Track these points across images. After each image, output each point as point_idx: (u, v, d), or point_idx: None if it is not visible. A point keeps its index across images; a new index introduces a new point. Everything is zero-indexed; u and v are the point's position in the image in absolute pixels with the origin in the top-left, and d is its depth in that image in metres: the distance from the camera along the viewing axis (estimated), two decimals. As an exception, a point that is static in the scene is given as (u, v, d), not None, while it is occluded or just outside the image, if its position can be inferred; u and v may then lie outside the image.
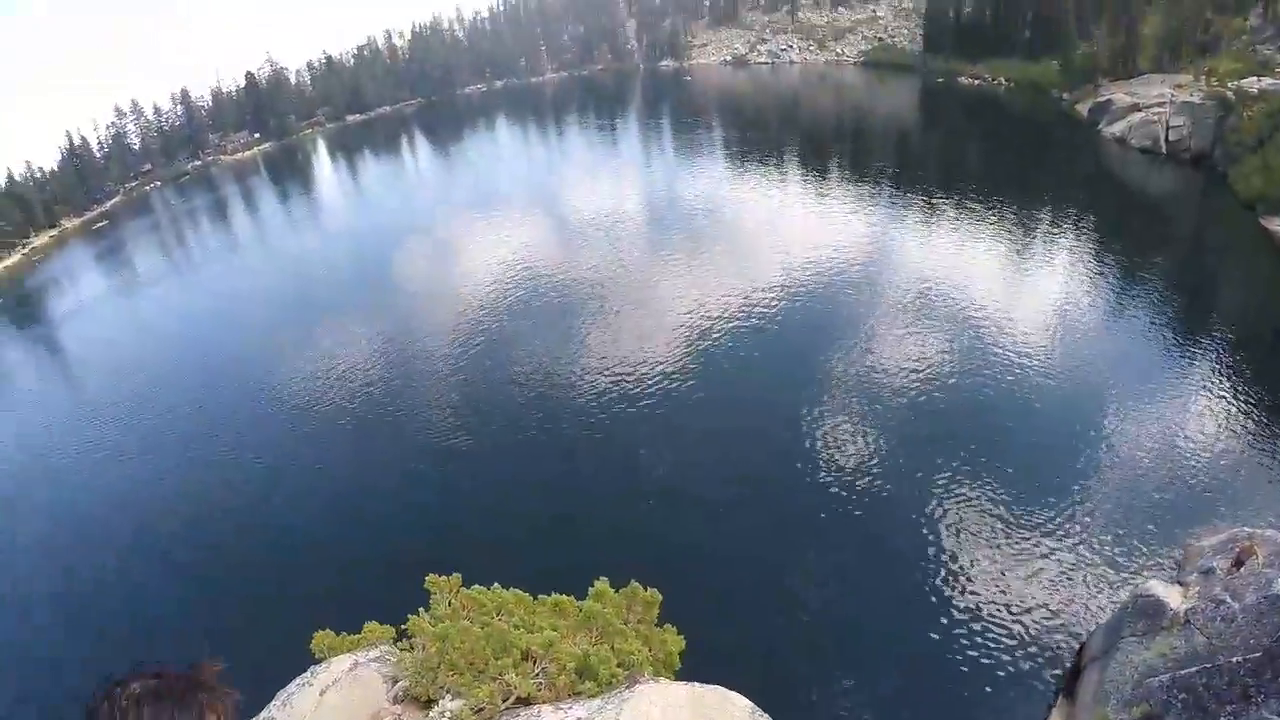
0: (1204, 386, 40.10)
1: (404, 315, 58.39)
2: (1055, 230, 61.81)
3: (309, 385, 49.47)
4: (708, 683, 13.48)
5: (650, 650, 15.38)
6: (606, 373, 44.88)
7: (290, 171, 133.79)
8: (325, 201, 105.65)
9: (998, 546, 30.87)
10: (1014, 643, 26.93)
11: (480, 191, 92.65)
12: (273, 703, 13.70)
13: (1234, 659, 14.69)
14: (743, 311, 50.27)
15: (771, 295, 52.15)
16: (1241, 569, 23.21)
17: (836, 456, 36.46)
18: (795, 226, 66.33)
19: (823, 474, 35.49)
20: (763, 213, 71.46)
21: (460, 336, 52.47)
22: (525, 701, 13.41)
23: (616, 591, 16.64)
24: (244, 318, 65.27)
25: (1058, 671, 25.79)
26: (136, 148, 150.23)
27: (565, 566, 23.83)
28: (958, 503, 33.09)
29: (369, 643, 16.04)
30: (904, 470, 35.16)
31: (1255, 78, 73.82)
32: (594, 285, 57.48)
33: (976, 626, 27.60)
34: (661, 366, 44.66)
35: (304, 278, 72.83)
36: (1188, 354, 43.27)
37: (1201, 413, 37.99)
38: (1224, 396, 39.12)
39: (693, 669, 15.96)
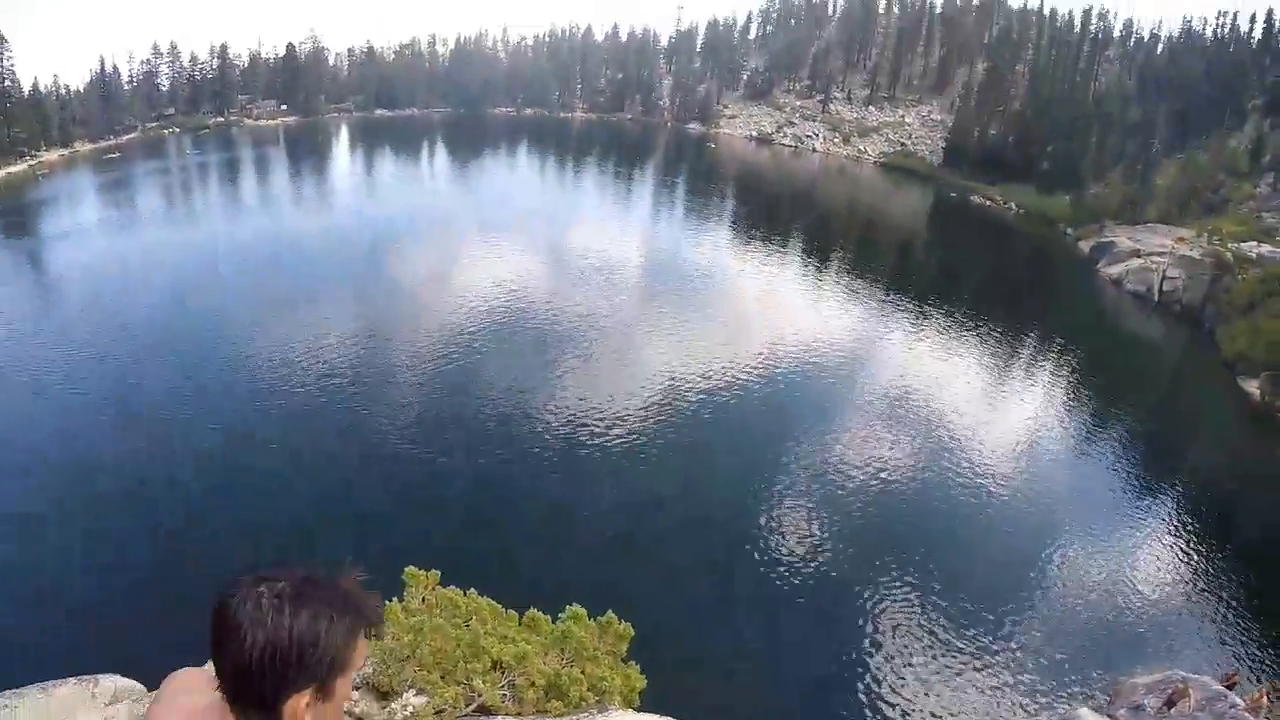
0: (1155, 531, 41.43)
1: (385, 316, 58.62)
2: (1038, 357, 63.58)
3: (275, 362, 49.31)
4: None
5: (617, 677, 15.64)
6: (576, 414, 45.28)
7: (308, 149, 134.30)
8: (335, 186, 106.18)
9: (933, 653, 31.45)
10: None
11: (488, 211, 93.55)
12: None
13: None
14: (719, 379, 51.01)
15: (750, 369, 53.04)
16: (1172, 710, 23.80)
17: (790, 539, 37.02)
18: (787, 307, 67.63)
19: (775, 553, 36.05)
20: (758, 288, 72.71)
21: (436, 349, 52.66)
22: (487, 710, 13.41)
23: (591, 619, 16.77)
24: (227, 280, 64.94)
25: None
26: (165, 89, 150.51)
27: (545, 581, 24.80)
28: (900, 604, 33.72)
29: None
30: (852, 564, 35.72)
31: (1255, 242, 76.26)
32: (578, 325, 58.21)
33: None
34: (631, 419, 45.17)
35: (295, 256, 72.75)
36: (1145, 497, 44.70)
37: (1149, 556, 39.19)
38: (1173, 544, 40.44)
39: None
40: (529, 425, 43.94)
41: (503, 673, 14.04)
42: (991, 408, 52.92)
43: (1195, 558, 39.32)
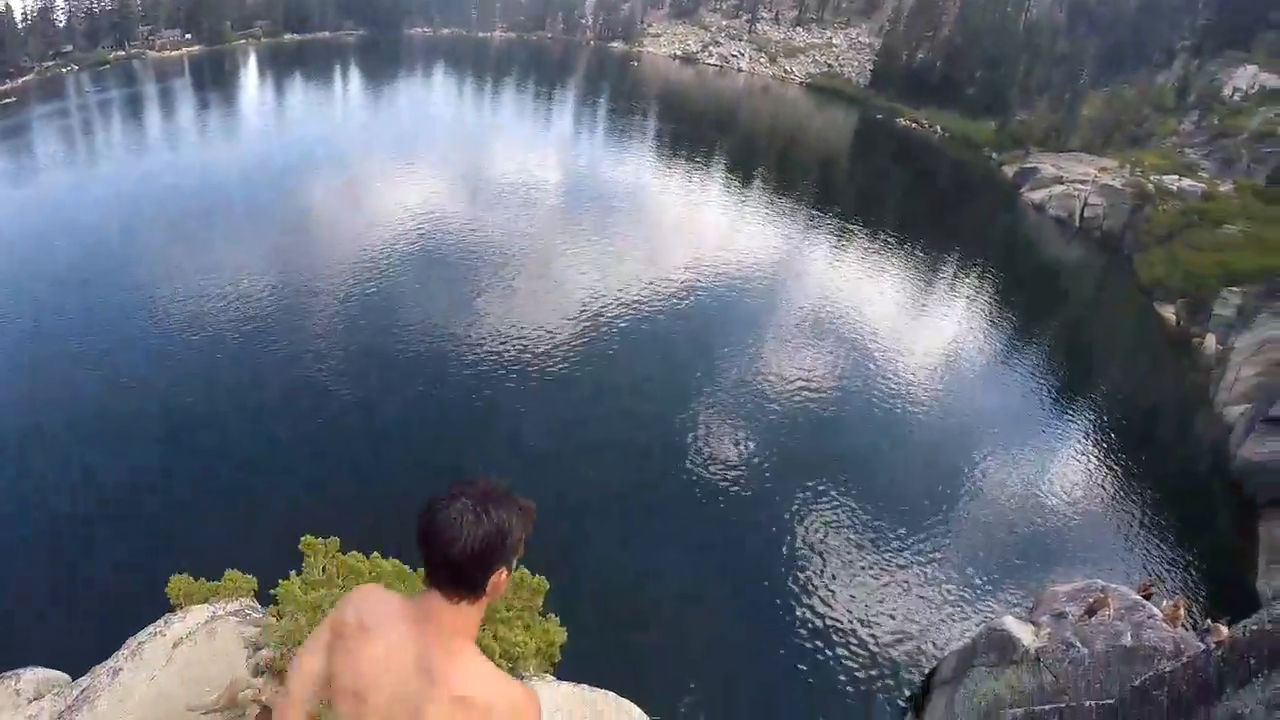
0: (1075, 445, 41.75)
1: (298, 249, 54.99)
2: (960, 276, 63.45)
3: (185, 306, 45.40)
4: (583, 678, 13.23)
5: (533, 639, 14.41)
6: (497, 339, 43.48)
7: (215, 80, 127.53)
8: (244, 118, 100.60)
9: (860, 567, 31.13)
10: (869, 660, 27.14)
11: (403, 136, 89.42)
12: (121, 650, 12.21)
13: (1087, 703, 14.65)
14: (643, 301, 49.65)
15: (674, 289, 51.76)
16: (1093, 618, 23.49)
17: (715, 455, 36.27)
18: (710, 227, 66.35)
19: (699, 470, 35.22)
20: (681, 209, 71.20)
21: (354, 280, 49.73)
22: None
23: None
24: (133, 222, 59.37)
25: (909, 692, 26.11)
26: (61, 25, 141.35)
27: None
28: (826, 519, 33.28)
29: (229, 593, 14.45)
30: (778, 479, 35.15)
31: (1176, 176, 77.54)
32: (499, 250, 55.81)
33: (836, 642, 27.74)
34: (553, 343, 43.60)
35: (204, 192, 67.14)
36: (1063, 413, 45.01)
37: (1067, 471, 39.40)
38: (1090, 460, 40.72)
39: (570, 662, 15.46)
40: (448, 357, 41.92)
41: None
42: (913, 326, 52.54)
43: (1111, 473, 39.67)
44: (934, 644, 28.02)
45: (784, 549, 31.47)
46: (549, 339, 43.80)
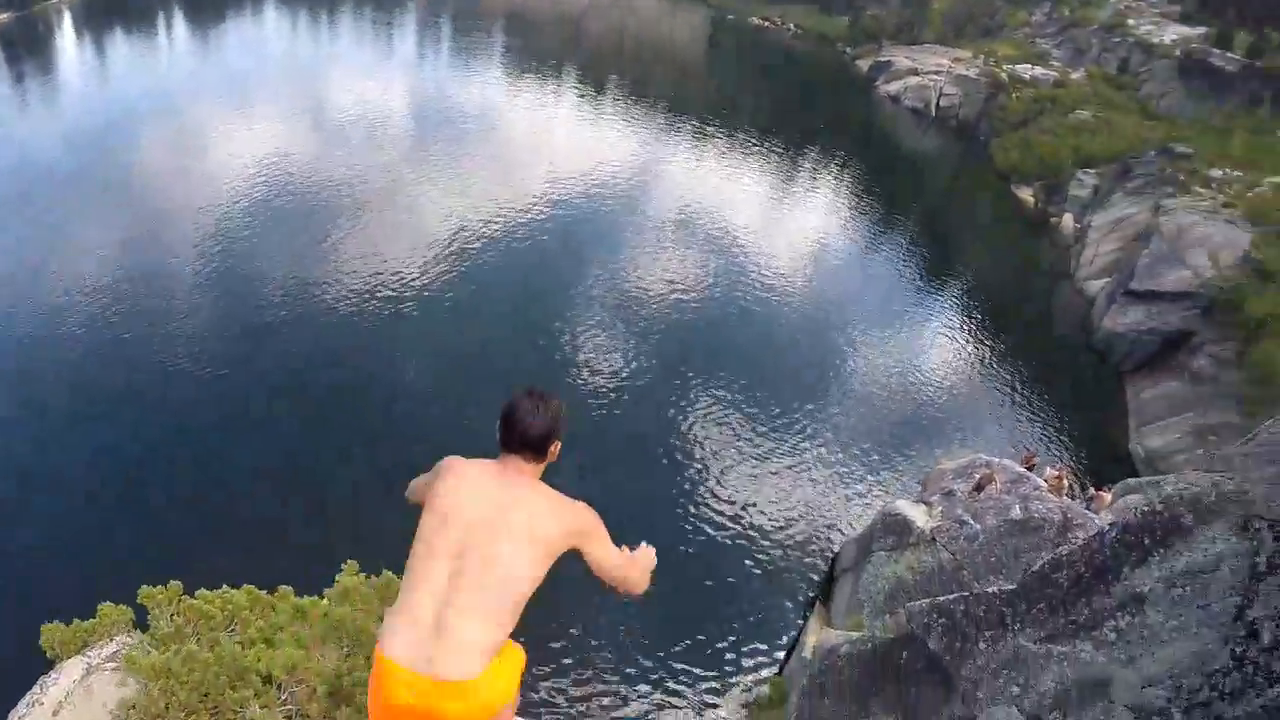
0: (945, 326, 42.60)
1: (128, 211, 48.32)
2: (819, 171, 63.37)
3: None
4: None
5: None
6: (360, 285, 40.17)
7: (28, 46, 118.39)
8: (62, 82, 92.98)
9: (749, 464, 30.95)
10: (769, 558, 27.08)
11: (235, 78, 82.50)
12: (4, 729, 10.70)
13: (990, 589, 14.39)
14: (504, 222, 47.42)
15: (535, 208, 49.65)
16: (981, 494, 23.61)
17: (594, 366, 35.48)
18: (564, 140, 64.16)
19: (580, 381, 34.38)
20: (533, 124, 68.22)
21: (191, 245, 44.06)
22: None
23: (369, 578, 13.14)
24: None
25: (814, 578, 26.30)
26: None
27: (312, 540, 22.71)
28: (708, 418, 32.95)
29: (105, 631, 12.63)
30: (657, 385, 34.57)
31: (1029, 65, 78.88)
32: (349, 188, 51.28)
33: (734, 542, 27.59)
34: (419, 279, 41.09)
35: (26, 168, 61.57)
36: (931, 296, 45.85)
37: (942, 350, 40.33)
38: (962, 337, 41.73)
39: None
40: (314, 312, 38.30)
41: (279, 688, 11.20)
42: (777, 222, 52.27)
43: (981, 351, 40.78)
44: (832, 533, 28.24)
45: (666, 449, 31.12)
46: (415, 277, 41.17)
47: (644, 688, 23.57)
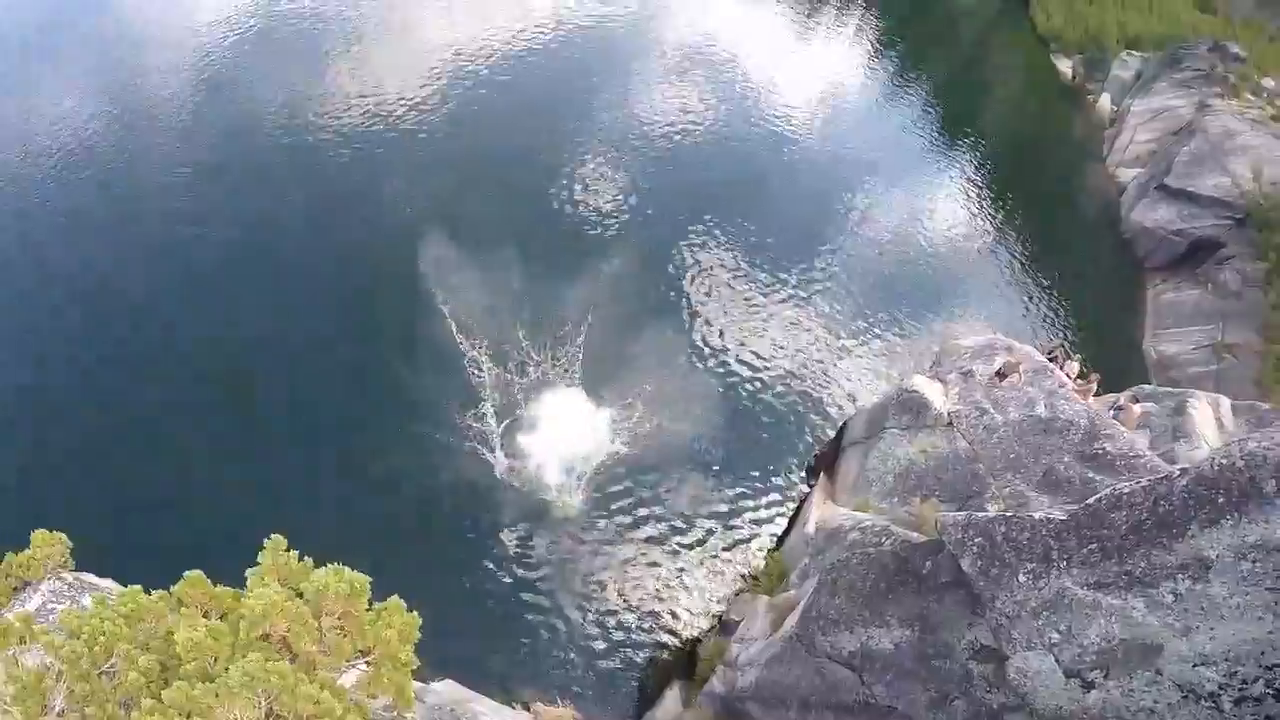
0: (963, 187, 40.63)
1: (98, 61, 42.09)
2: (842, 14, 58.79)
3: None
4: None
5: (368, 645, 11.09)
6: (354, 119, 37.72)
7: None
8: None
9: (754, 316, 29.95)
10: (774, 418, 26.51)
11: None
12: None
13: (1037, 516, 13.55)
14: (504, 48, 43.94)
15: (535, 32, 45.82)
16: (1004, 381, 22.88)
17: (596, 200, 33.98)
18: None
19: (582, 216, 33.15)
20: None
21: (187, 76, 40.32)
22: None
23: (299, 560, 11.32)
24: None
25: (817, 448, 25.30)
26: None
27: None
28: (713, 262, 31.85)
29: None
30: (663, 225, 33.17)
31: (1082, -77, 72.92)
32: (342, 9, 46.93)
33: (736, 393, 27.06)
34: (414, 109, 38.54)
35: None
36: (951, 151, 43.50)
37: (959, 211, 38.62)
38: (981, 201, 39.87)
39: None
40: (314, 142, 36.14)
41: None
42: (793, 62, 48.59)
43: (1000, 220, 39.11)
44: (839, 399, 27.31)
45: (670, 299, 30.15)
46: (412, 108, 38.54)
47: (633, 553, 23.44)
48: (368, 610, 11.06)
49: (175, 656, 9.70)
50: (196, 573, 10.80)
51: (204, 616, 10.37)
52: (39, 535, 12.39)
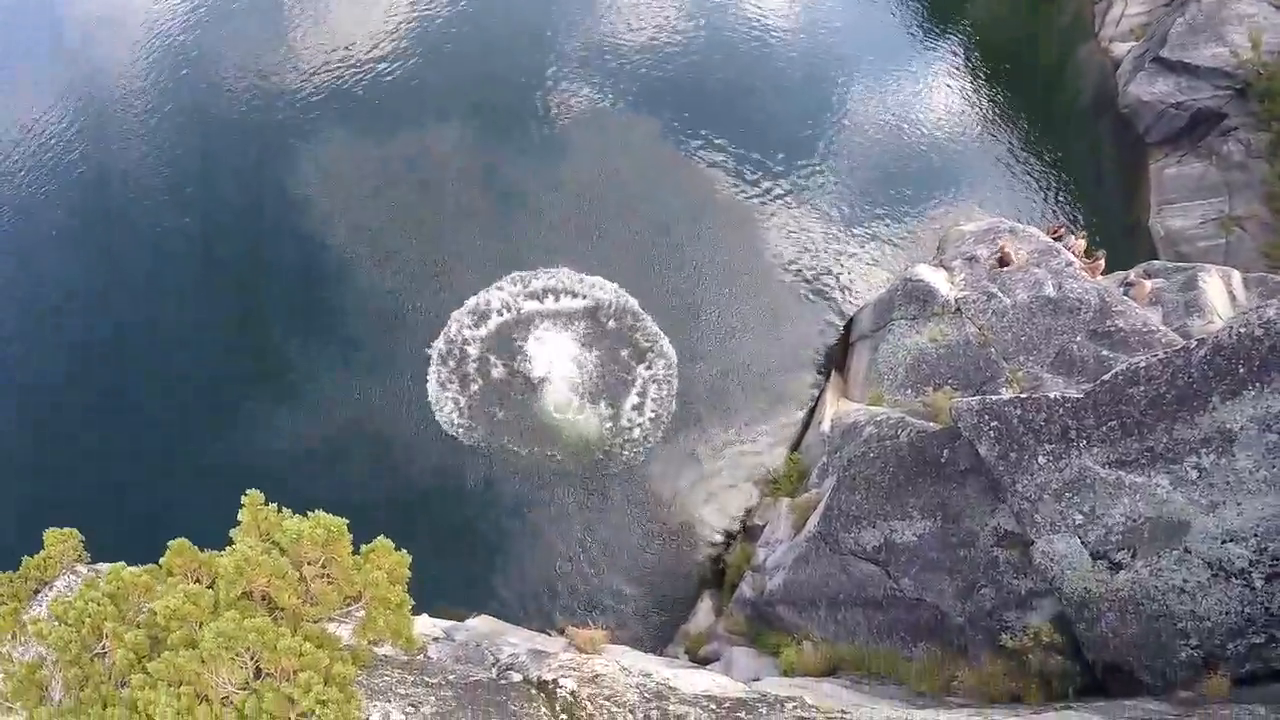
0: (952, 70, 39.39)
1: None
2: None
3: None
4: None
5: (357, 591, 10.80)
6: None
7: None
8: None
9: (751, 217, 29.47)
10: (789, 313, 26.43)
11: None
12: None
13: (1052, 395, 13.30)
14: None
15: None
16: (1005, 269, 22.54)
17: (581, 113, 33.35)
18: None
19: (567, 132, 32.59)
20: None
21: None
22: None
23: (278, 512, 11.15)
24: None
25: (828, 344, 25.25)
26: None
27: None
28: (707, 167, 31.18)
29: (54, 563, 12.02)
30: (652, 132, 32.52)
31: None
32: None
33: (743, 295, 26.74)
34: (384, 45, 37.26)
35: None
36: (935, 39, 41.59)
37: (950, 97, 37.57)
38: (973, 84, 38.81)
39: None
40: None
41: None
42: None
43: (994, 102, 37.97)
44: (844, 292, 27.02)
45: (659, 207, 29.55)
46: (378, 41, 37.33)
47: (653, 469, 23.52)
48: (354, 554, 10.89)
49: (164, 628, 9.62)
50: (182, 540, 10.62)
51: (196, 583, 10.25)
52: (51, 534, 12.29)
